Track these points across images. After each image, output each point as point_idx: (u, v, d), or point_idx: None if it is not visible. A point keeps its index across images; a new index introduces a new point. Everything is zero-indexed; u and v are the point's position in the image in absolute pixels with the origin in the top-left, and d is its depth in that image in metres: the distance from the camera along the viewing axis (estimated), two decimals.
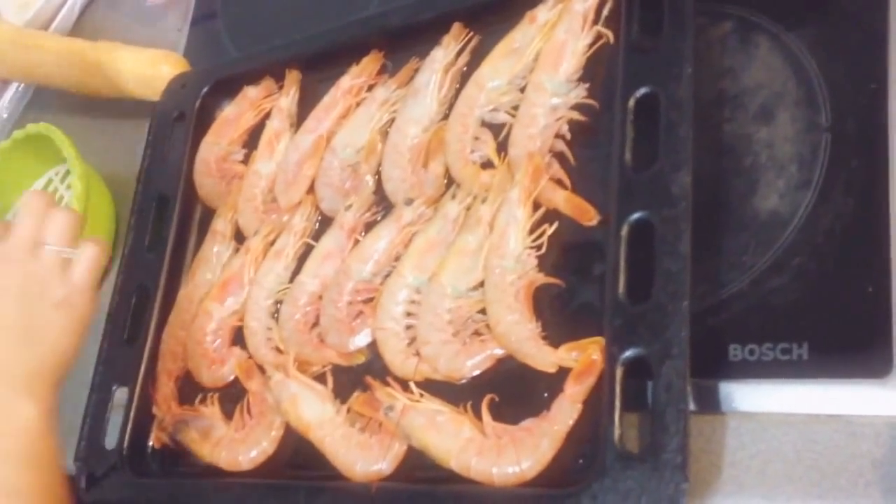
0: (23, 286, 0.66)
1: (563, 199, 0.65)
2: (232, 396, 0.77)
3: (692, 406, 0.55)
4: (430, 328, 0.67)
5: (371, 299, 0.71)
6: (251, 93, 0.89)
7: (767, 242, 0.59)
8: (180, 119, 0.92)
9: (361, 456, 0.66)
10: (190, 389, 0.80)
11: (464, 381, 0.65)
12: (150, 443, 0.79)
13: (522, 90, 0.69)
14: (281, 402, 0.71)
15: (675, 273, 0.55)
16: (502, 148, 0.69)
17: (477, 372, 0.65)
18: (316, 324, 0.74)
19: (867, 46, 0.60)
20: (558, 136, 0.67)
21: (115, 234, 0.95)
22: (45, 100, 1.13)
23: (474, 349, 0.65)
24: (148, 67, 0.97)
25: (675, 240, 0.56)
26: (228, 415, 0.76)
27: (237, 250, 0.82)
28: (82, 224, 0.72)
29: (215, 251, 0.83)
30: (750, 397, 0.56)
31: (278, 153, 0.84)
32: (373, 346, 0.71)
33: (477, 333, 0.65)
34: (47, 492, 0.62)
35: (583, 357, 0.59)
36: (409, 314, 0.69)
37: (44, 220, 0.68)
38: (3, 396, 0.63)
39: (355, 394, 0.69)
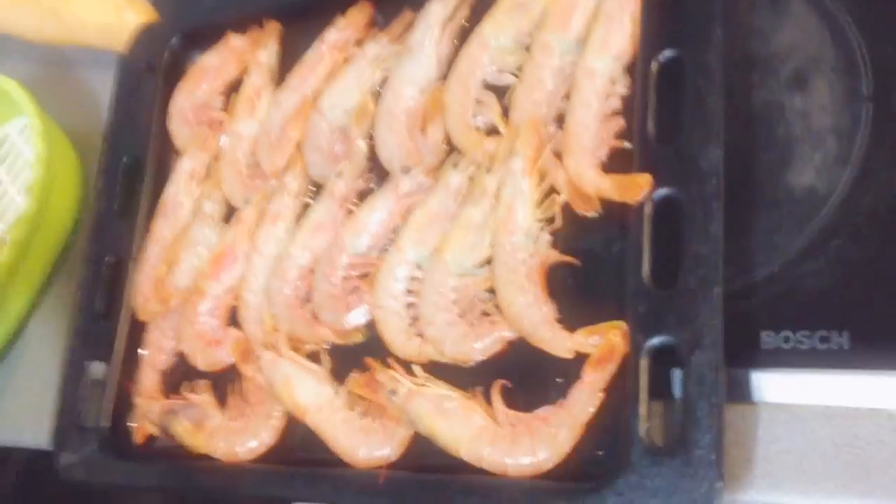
0: None
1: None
2: (224, 384, 0.72)
3: None
4: (433, 307, 0.63)
5: (367, 274, 0.67)
6: (236, 42, 0.82)
7: (802, 222, 0.55)
8: (149, 71, 0.85)
9: (364, 441, 0.63)
10: (175, 376, 0.76)
11: (471, 364, 0.61)
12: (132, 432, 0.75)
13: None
14: (274, 384, 0.67)
15: (706, 256, 0.52)
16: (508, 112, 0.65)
17: (486, 356, 0.61)
18: (308, 300, 0.70)
19: None
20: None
21: (83, 197, 0.89)
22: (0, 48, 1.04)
23: (482, 331, 0.61)
24: (110, 14, 0.89)
25: (706, 220, 0.52)
26: (222, 402, 0.71)
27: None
28: None
29: (202, 233, 0.76)
30: (784, 387, 0.53)
31: (259, 112, 0.78)
32: (371, 325, 0.66)
33: (485, 314, 0.61)
34: None
35: (603, 343, 0.56)
36: (409, 292, 0.65)
37: None
38: None
39: (352, 375, 0.66)
